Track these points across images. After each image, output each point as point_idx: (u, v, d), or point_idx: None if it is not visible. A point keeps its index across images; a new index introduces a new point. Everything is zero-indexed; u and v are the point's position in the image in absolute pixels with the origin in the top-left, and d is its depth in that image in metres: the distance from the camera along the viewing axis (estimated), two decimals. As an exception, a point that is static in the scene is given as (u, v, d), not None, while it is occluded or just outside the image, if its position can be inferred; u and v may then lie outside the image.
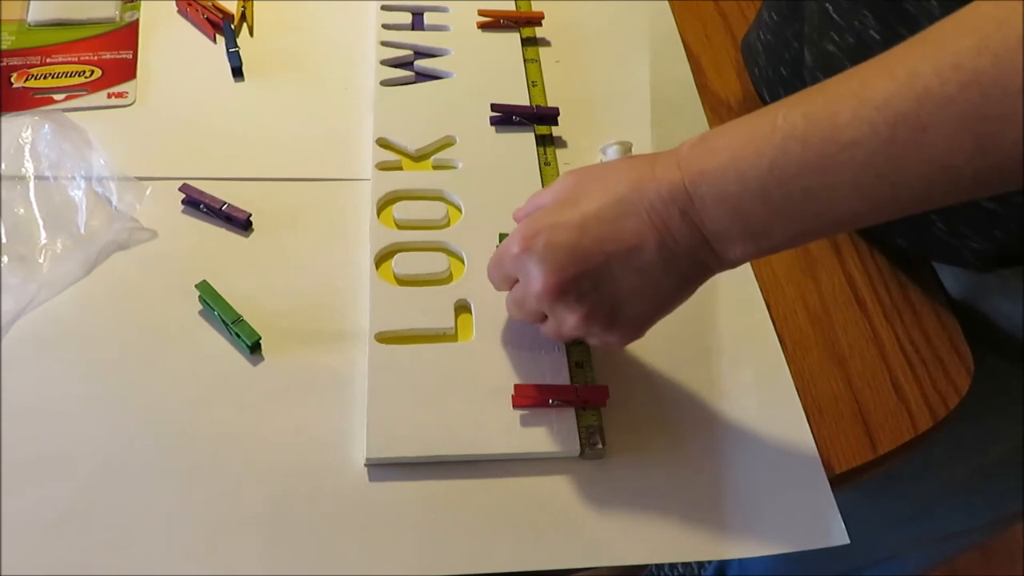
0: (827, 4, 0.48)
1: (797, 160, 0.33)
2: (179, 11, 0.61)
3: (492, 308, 0.46)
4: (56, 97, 0.54)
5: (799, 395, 0.45)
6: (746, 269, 0.50)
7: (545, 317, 0.41)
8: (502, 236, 0.48)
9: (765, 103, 0.58)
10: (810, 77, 0.51)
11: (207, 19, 0.59)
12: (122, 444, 0.41)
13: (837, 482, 0.42)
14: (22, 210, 0.49)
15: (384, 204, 0.51)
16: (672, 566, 1.11)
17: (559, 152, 0.55)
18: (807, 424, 0.44)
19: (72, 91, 0.55)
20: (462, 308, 0.47)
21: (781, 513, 0.41)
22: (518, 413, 0.42)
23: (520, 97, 0.57)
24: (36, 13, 0.59)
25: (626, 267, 0.37)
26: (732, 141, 0.35)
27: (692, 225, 0.36)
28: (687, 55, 0.62)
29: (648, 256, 0.37)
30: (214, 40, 0.59)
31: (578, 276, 0.38)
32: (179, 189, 0.50)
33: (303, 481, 0.40)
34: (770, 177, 0.34)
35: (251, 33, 0.60)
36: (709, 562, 1.02)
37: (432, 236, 0.50)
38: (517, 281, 0.41)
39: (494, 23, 0.61)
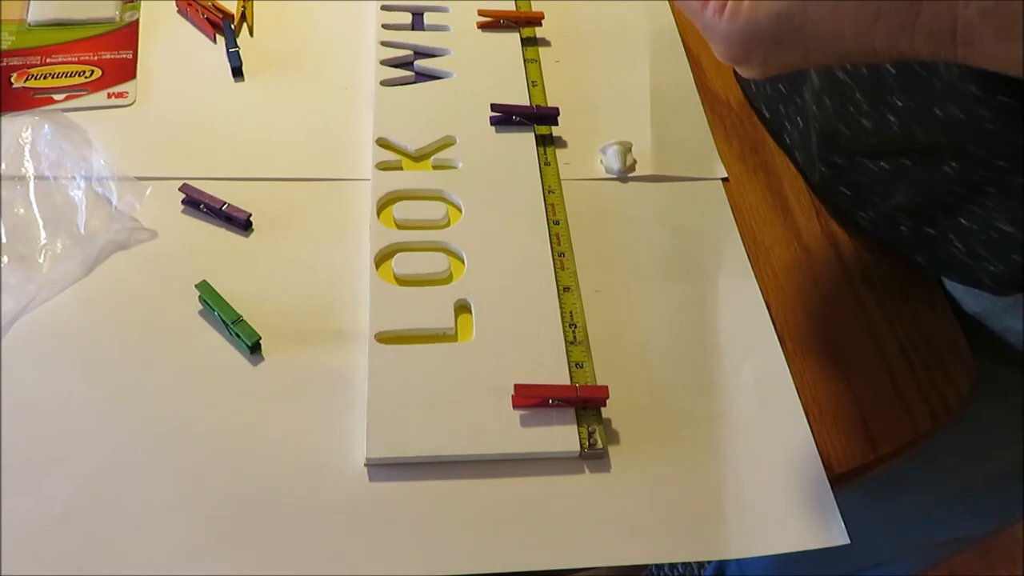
0: None
1: None
2: (179, 11, 0.61)
3: (492, 308, 0.46)
4: (56, 97, 0.55)
5: (799, 395, 0.45)
6: (746, 268, 0.50)
7: None
8: None
9: (765, 119, 0.57)
10: (815, 100, 0.51)
11: (207, 19, 0.59)
12: (122, 444, 0.41)
13: (837, 482, 0.42)
14: (22, 210, 0.49)
15: (384, 204, 0.51)
16: (672, 566, 1.11)
17: (559, 152, 0.55)
18: (807, 424, 0.44)
19: (72, 91, 0.55)
20: (462, 308, 0.47)
21: (781, 513, 0.41)
22: (518, 413, 0.42)
23: (520, 97, 0.57)
24: (36, 13, 0.59)
25: None
26: None
27: None
28: (687, 55, 0.62)
29: None
30: (214, 40, 0.59)
31: None
32: (179, 189, 0.50)
33: (303, 481, 0.40)
34: None
35: (251, 33, 0.60)
36: (708, 562, 1.02)
37: (432, 236, 0.50)
38: None
39: (494, 23, 0.61)
